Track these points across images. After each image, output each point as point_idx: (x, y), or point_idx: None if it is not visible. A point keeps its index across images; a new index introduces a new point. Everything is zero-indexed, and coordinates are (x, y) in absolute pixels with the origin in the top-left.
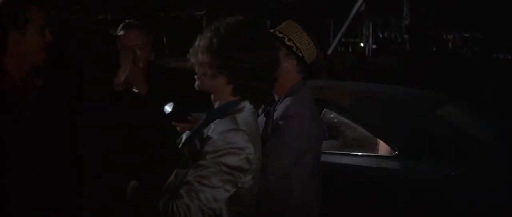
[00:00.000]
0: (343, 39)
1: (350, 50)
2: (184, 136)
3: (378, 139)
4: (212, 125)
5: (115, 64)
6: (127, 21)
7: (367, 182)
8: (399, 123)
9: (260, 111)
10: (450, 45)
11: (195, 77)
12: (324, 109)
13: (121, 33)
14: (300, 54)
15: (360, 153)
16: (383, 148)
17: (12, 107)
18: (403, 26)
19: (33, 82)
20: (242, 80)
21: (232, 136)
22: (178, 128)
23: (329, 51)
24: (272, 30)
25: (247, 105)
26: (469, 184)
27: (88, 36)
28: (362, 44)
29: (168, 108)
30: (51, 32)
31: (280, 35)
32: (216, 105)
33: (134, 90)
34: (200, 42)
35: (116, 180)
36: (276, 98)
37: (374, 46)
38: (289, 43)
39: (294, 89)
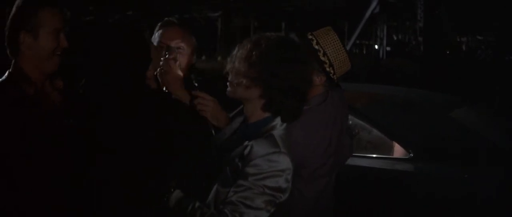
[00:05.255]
0: (357, 41)
1: (364, 52)
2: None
3: (392, 142)
4: (252, 145)
5: (144, 59)
6: (166, 19)
7: (381, 184)
8: (413, 126)
9: None
10: (464, 47)
11: (228, 83)
12: None
13: (159, 31)
14: (332, 72)
15: (374, 155)
16: (397, 150)
17: (34, 109)
18: (418, 28)
19: (54, 85)
20: (275, 96)
21: (276, 158)
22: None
23: None
24: (308, 35)
25: (279, 122)
26: (483, 186)
27: (110, 33)
28: (376, 47)
29: None
30: (66, 36)
31: (316, 47)
32: (250, 119)
33: (164, 89)
34: (239, 51)
35: (157, 187)
36: None
37: (388, 49)
38: (323, 58)
39: (311, 102)
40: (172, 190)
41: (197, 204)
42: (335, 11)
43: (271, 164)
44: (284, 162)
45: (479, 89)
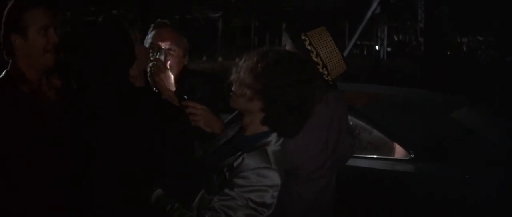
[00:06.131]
0: (358, 42)
1: (365, 53)
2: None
3: (393, 142)
4: (244, 157)
5: (129, 57)
6: (158, 20)
7: (382, 185)
8: (414, 126)
9: None
10: (464, 48)
11: (231, 93)
12: None
13: (152, 33)
14: (326, 73)
15: (375, 156)
16: (398, 151)
17: (30, 108)
18: (418, 28)
19: (50, 83)
20: (277, 111)
21: (265, 174)
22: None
23: (345, 54)
24: (302, 36)
25: (274, 138)
26: (483, 187)
27: (97, 30)
28: (377, 47)
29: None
30: (56, 33)
31: (309, 48)
32: (246, 130)
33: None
34: (245, 62)
35: (140, 185)
36: None
37: (389, 49)
38: (316, 59)
39: None
40: (154, 188)
41: (177, 205)
42: (335, 11)
43: (260, 178)
44: (273, 178)
45: (479, 89)
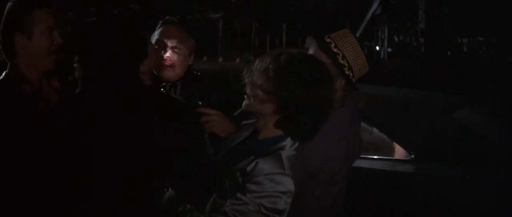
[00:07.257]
0: None
1: (365, 53)
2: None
3: (394, 143)
4: (258, 162)
5: (142, 58)
6: (167, 17)
7: (382, 185)
8: (415, 127)
9: None
10: (465, 48)
11: (245, 96)
12: None
13: (159, 29)
14: (351, 75)
15: (375, 157)
16: (399, 151)
17: (31, 108)
18: (419, 29)
19: (50, 83)
20: (290, 113)
21: (279, 180)
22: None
23: None
24: (326, 38)
25: (289, 142)
26: (485, 188)
27: (109, 31)
28: (377, 47)
29: None
30: (59, 34)
31: (335, 50)
32: (260, 134)
33: (162, 90)
34: (258, 64)
35: (140, 185)
36: None
37: (389, 50)
38: (342, 62)
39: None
40: (166, 189)
41: (188, 206)
42: (335, 11)
43: (273, 184)
44: (287, 184)
45: (479, 89)
